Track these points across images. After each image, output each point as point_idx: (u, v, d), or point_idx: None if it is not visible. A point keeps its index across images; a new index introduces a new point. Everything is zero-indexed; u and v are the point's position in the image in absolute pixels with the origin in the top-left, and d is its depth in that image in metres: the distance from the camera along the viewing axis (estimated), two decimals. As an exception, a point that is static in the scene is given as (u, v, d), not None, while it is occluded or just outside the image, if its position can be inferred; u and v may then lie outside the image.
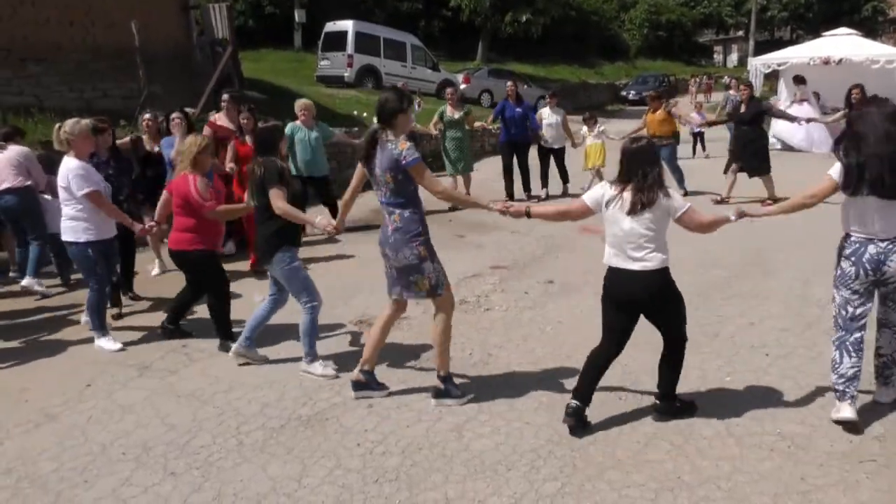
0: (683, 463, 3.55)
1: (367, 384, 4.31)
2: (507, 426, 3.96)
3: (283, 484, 3.46)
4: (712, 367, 4.66)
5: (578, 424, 3.83)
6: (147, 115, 7.71)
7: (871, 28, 38.13)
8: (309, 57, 23.17)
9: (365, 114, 9.84)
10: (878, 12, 43.71)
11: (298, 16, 24.80)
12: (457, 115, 10.31)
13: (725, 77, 34.90)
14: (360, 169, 4.21)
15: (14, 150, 6.65)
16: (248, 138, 7.43)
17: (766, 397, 4.23)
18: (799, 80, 14.65)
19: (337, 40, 20.74)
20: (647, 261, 3.69)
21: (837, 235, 3.92)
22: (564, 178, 11.19)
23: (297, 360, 4.76)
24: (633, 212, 3.65)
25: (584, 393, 3.86)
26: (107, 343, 5.25)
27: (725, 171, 10.30)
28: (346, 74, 20.04)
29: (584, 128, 11.52)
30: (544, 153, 11.12)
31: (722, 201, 9.70)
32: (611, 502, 3.27)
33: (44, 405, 4.35)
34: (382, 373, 4.54)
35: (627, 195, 3.69)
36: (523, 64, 30.35)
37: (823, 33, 17.49)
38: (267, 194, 4.45)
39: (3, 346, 5.43)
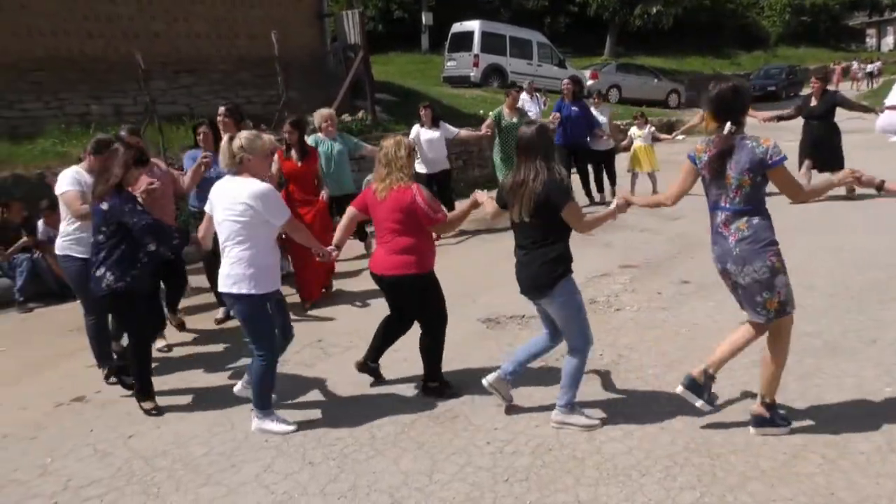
0: (838, 478, 3.29)
1: (770, 419, 3.71)
2: (641, 430, 3.83)
3: (414, 478, 3.52)
4: (869, 376, 4.30)
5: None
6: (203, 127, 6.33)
7: None
8: (436, 59, 23.53)
9: (490, 113, 9.72)
10: None
11: (426, 18, 25.25)
12: (515, 119, 9.14)
13: (854, 63, 32.28)
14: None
15: None
16: (293, 153, 6.49)
17: (933, 411, 3.85)
18: None
19: (463, 41, 20.94)
20: None
21: None
22: (612, 181, 10.41)
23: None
24: None
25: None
26: (276, 426, 4.10)
27: (799, 169, 9.40)
28: (472, 74, 20.18)
29: (633, 128, 10.90)
30: (593, 156, 10.46)
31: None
32: (755, 516, 3.09)
33: (195, 394, 4.66)
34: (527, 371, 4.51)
35: None
36: (653, 57, 29.38)
37: None
38: (550, 213, 3.69)
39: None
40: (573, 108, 9.85)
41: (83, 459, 3.90)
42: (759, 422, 3.72)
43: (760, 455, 3.52)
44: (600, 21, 28.33)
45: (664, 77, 24.54)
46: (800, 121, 9.56)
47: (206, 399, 4.54)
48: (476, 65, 20.39)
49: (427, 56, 24.99)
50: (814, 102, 9.26)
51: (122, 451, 3.96)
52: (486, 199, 4.14)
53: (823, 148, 9.10)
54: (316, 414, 4.27)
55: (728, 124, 3.49)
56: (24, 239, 7.24)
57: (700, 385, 3.72)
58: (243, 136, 3.97)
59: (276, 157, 6.45)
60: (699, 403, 3.72)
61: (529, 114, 10.53)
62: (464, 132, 9.36)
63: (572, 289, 3.80)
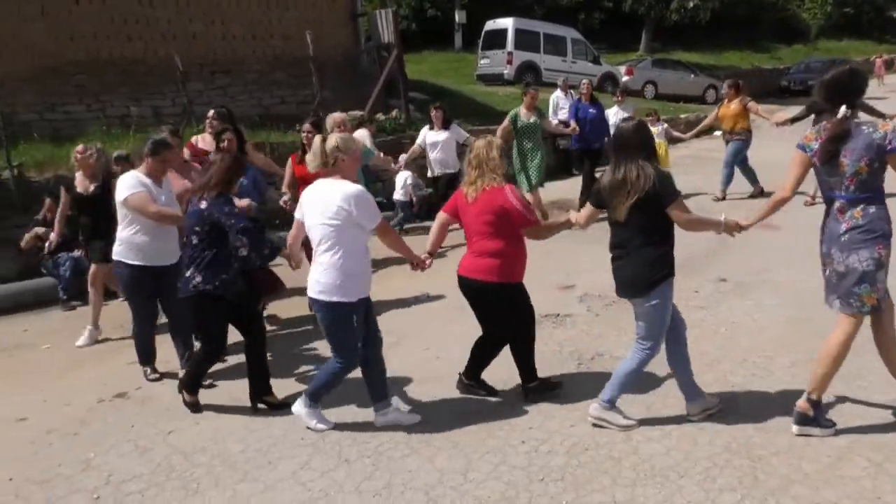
0: (885, 482, 3.21)
1: (814, 418, 3.63)
2: (679, 430, 3.78)
3: (449, 477, 3.51)
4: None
5: None
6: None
7: None
8: (469, 57, 23.48)
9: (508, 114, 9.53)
10: None
11: (459, 17, 25.20)
12: (532, 119, 8.73)
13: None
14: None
15: None
16: (308, 157, 6.04)
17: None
18: None
19: (497, 38, 20.86)
20: None
21: None
22: None
23: (465, 355, 4.80)
24: None
25: None
26: (315, 422, 4.10)
27: None
28: (505, 72, 20.09)
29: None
30: None
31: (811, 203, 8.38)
32: (798, 519, 3.02)
33: (231, 390, 4.72)
34: (556, 370, 4.48)
35: None
36: (690, 52, 28.91)
37: None
38: (656, 208, 3.62)
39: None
40: (590, 109, 9.67)
41: (124, 455, 3.97)
42: (802, 420, 3.62)
43: (804, 457, 3.44)
44: (636, 16, 27.94)
45: (701, 72, 24.15)
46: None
47: (244, 396, 4.59)
48: (510, 62, 20.29)
49: (460, 54, 24.95)
50: None
51: (162, 447, 4.02)
52: (577, 216, 4.11)
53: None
54: (352, 412, 4.29)
55: (843, 108, 3.40)
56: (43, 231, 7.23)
57: (811, 417, 3.61)
58: (338, 136, 3.92)
59: (289, 162, 6.30)
60: (818, 432, 3.61)
61: (562, 111, 10.36)
62: (473, 138, 9.17)
63: (669, 293, 3.73)
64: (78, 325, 6.29)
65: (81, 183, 6.12)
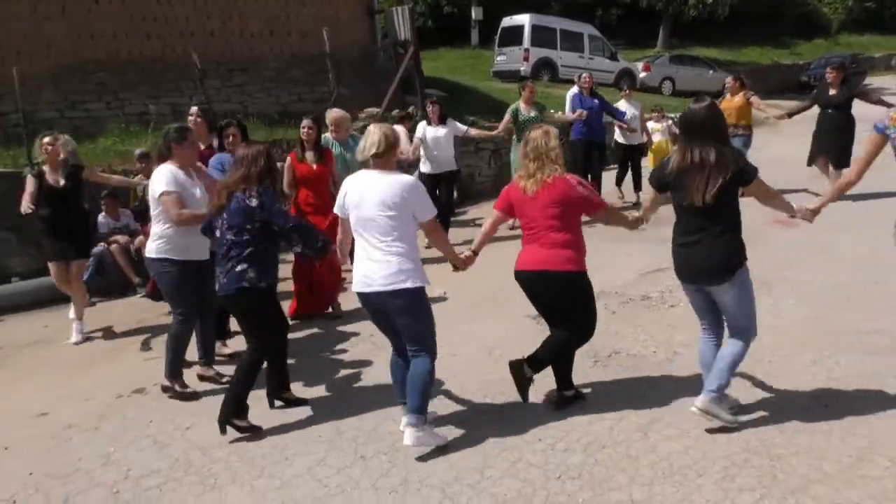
0: (907, 482, 3.16)
1: None
2: (697, 429, 3.74)
3: (465, 474, 3.50)
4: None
5: None
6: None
7: None
8: (485, 54, 23.44)
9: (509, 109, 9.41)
10: None
11: (475, 13, 25.15)
12: (533, 114, 8.56)
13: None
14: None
15: None
16: (308, 155, 5.99)
17: None
18: None
19: (513, 35, 20.81)
20: None
21: None
22: (638, 182, 9.92)
23: (481, 352, 4.81)
24: None
25: None
26: (433, 438, 3.80)
27: (810, 164, 9.15)
28: (522, 68, 20.01)
29: (651, 122, 10.55)
30: (622, 151, 10.12)
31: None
32: (818, 520, 2.99)
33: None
34: (573, 369, 4.46)
35: None
36: (708, 47, 28.67)
37: None
38: (733, 191, 3.59)
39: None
40: (593, 101, 9.56)
41: (143, 450, 4.00)
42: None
43: (824, 458, 3.40)
44: (653, 12, 27.74)
45: (719, 68, 23.94)
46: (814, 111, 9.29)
47: (261, 392, 4.60)
48: (526, 59, 20.23)
49: (477, 51, 24.90)
50: (833, 92, 8.95)
51: (180, 443, 4.05)
52: (643, 214, 4.15)
53: (836, 140, 8.78)
54: (368, 409, 4.29)
55: None
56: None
57: None
58: (386, 126, 3.82)
59: (288, 161, 6.07)
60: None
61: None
62: (474, 131, 9.11)
63: (747, 273, 3.71)
64: (97, 321, 6.36)
65: (51, 175, 5.90)
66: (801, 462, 3.38)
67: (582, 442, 3.72)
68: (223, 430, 4.00)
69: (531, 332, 5.36)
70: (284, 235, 4.09)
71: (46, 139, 5.88)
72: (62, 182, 5.89)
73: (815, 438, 3.57)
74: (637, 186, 9.98)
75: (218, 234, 4.14)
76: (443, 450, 3.71)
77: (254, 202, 3.99)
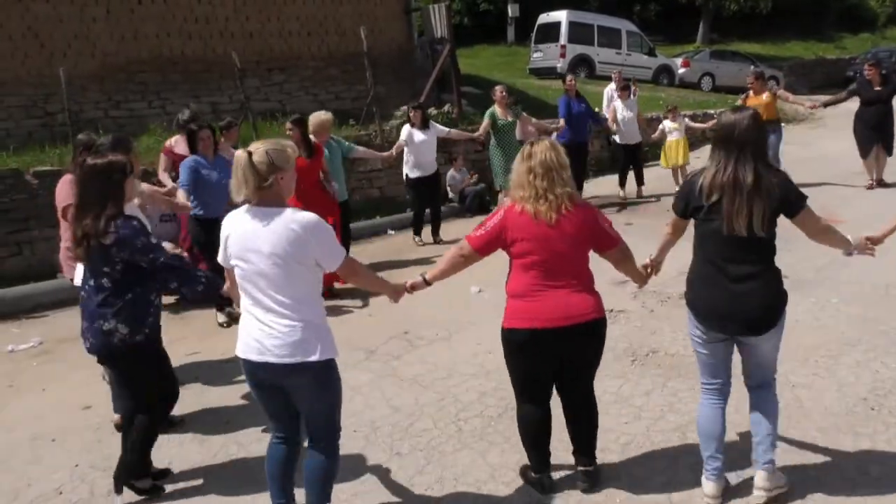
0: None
1: None
2: (736, 427, 3.68)
3: (501, 472, 3.50)
4: None
5: None
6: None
7: None
8: (521, 51, 23.36)
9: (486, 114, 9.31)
10: None
11: (512, 10, 25.06)
12: (510, 118, 8.81)
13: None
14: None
15: None
16: (300, 151, 5.30)
17: None
18: None
19: (550, 31, 20.70)
20: None
21: None
22: (640, 178, 10.18)
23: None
24: None
25: None
26: None
27: (865, 156, 9.30)
28: (558, 65, 19.89)
29: (666, 121, 10.42)
30: (622, 151, 10.24)
31: (872, 187, 9.14)
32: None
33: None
34: (611, 367, 4.43)
35: None
36: (750, 42, 28.15)
37: None
38: (774, 221, 3.00)
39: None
40: (580, 104, 9.77)
41: (184, 443, 4.08)
42: None
43: (871, 460, 3.32)
44: (693, 7, 27.35)
45: (761, 64, 23.48)
46: (838, 107, 9.70)
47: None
48: (563, 55, 20.10)
49: (513, 48, 24.84)
50: (877, 88, 9.14)
51: (220, 436, 4.12)
52: (657, 258, 3.55)
53: (885, 129, 9.18)
54: (403, 405, 4.32)
55: None
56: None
57: None
58: (267, 147, 2.76)
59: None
60: None
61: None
62: (454, 132, 9.09)
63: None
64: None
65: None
66: (848, 464, 3.30)
67: (620, 441, 3.69)
68: (118, 490, 3.45)
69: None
70: (156, 274, 3.31)
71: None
72: None
73: (859, 440, 3.50)
74: (639, 181, 10.20)
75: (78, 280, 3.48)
76: None
77: (108, 240, 3.16)
